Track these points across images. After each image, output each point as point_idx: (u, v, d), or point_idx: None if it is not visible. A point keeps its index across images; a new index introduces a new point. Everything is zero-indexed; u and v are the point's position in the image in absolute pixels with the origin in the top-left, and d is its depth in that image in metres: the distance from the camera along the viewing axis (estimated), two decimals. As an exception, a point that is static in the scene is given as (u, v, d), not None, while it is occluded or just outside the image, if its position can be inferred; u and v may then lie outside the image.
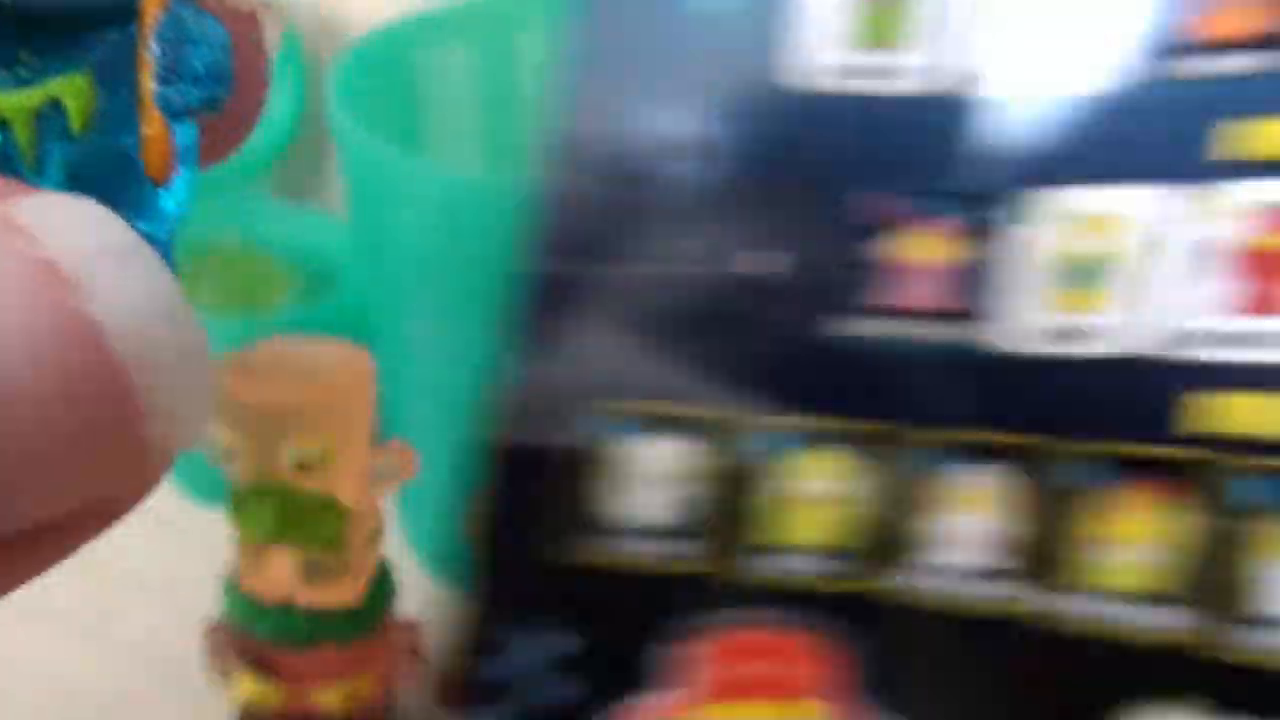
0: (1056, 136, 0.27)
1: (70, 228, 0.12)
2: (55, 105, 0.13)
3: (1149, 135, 0.26)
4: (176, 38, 0.14)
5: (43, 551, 0.12)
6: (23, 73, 0.13)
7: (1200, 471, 0.26)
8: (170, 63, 0.14)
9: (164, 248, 0.14)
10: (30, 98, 0.13)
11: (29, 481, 0.11)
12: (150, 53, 0.14)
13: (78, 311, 0.11)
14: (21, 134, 0.13)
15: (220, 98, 0.15)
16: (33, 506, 0.11)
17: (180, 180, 0.15)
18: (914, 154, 0.28)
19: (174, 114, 0.14)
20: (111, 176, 0.14)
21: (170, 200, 0.14)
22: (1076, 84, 0.27)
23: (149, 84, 0.14)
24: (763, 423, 0.28)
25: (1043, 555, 0.26)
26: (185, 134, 0.15)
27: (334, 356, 0.32)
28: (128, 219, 0.12)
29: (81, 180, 0.14)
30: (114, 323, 0.11)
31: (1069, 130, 0.27)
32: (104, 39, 0.14)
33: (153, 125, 0.14)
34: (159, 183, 0.14)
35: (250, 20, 0.15)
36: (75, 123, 0.14)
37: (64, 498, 0.11)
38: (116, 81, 0.14)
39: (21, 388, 0.11)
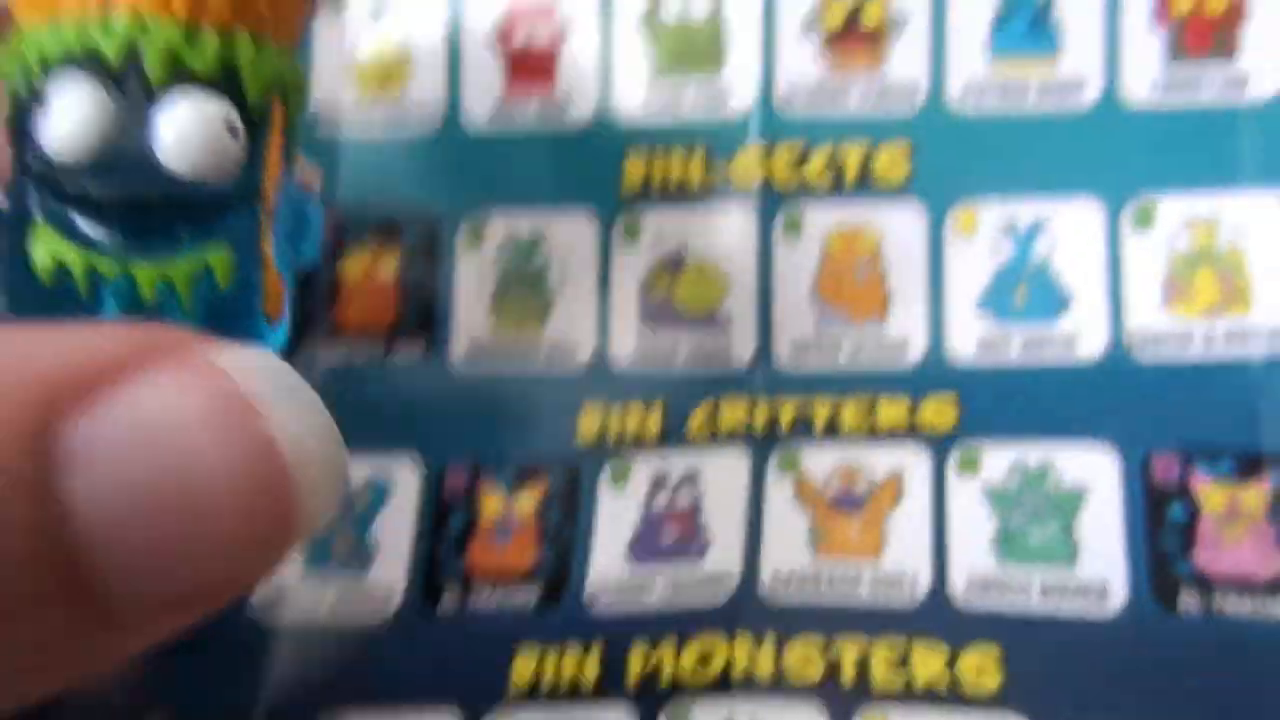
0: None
1: (257, 371, 0.15)
2: (206, 269, 0.18)
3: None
4: (287, 213, 0.19)
5: (192, 611, 0.15)
6: (183, 246, 0.18)
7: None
8: (283, 232, 0.19)
9: None
10: (190, 264, 0.18)
11: (210, 547, 0.15)
12: (270, 225, 0.19)
13: (263, 432, 0.15)
14: (183, 290, 0.18)
15: (314, 256, 0.20)
16: (202, 579, 0.15)
17: (286, 317, 0.19)
18: None
19: (284, 269, 0.19)
20: (241, 317, 0.18)
21: (277, 334, 0.19)
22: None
23: (269, 248, 0.19)
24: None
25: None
26: (289, 284, 0.19)
27: None
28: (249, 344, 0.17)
29: (220, 321, 0.18)
30: (285, 439, 0.15)
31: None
32: (238, 216, 0.18)
33: (270, 279, 0.19)
34: (272, 321, 0.19)
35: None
36: (220, 281, 0.18)
37: (225, 573, 0.15)
38: (246, 247, 0.18)
39: (224, 481, 0.14)
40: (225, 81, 0.18)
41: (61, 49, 0.18)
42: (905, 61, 0.27)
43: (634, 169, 0.27)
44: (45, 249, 0.18)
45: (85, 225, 0.18)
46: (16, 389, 0.14)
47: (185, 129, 0.18)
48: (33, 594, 0.14)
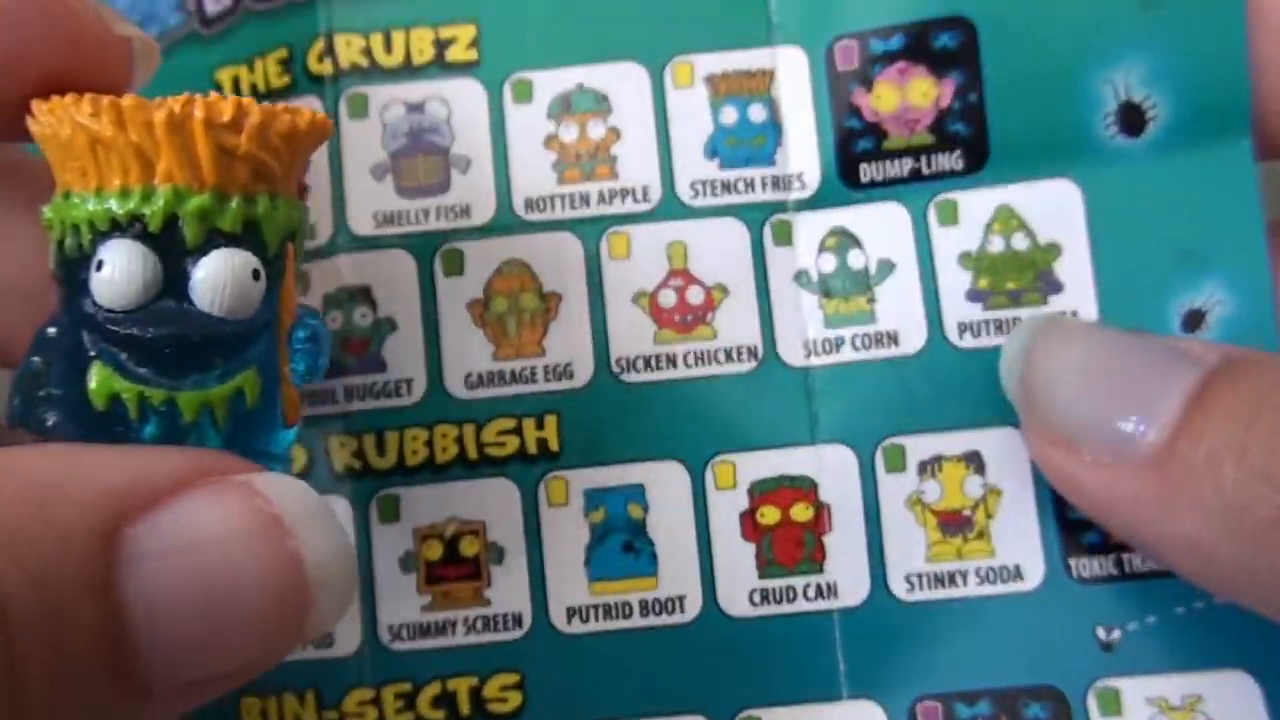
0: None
1: (288, 495, 0.18)
2: (238, 392, 0.21)
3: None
4: (301, 335, 0.23)
5: (216, 690, 0.18)
6: (216, 374, 0.21)
7: None
8: (299, 351, 0.23)
9: (286, 461, 0.23)
10: (225, 390, 0.21)
11: (236, 641, 0.18)
12: (288, 347, 0.22)
13: (291, 549, 0.18)
14: (219, 411, 0.21)
15: (324, 367, 0.24)
16: (228, 666, 0.18)
17: (300, 421, 0.23)
18: None
19: (299, 382, 0.23)
20: (265, 428, 0.22)
21: (291, 435, 0.23)
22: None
23: (286, 367, 0.22)
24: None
25: None
26: (300, 394, 0.23)
27: None
28: (272, 448, 0.22)
29: (248, 430, 0.21)
30: (310, 554, 0.18)
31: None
32: (262, 344, 0.21)
33: (288, 392, 0.22)
34: (289, 424, 0.22)
35: None
36: (250, 401, 0.21)
37: (246, 662, 0.18)
38: (269, 369, 0.22)
39: (255, 589, 0.17)
40: (248, 235, 0.21)
41: (109, 216, 0.21)
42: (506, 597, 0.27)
43: None
44: (101, 383, 0.21)
45: (133, 361, 0.21)
46: (93, 500, 0.17)
47: (218, 280, 0.21)
48: (88, 677, 0.16)
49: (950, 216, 0.28)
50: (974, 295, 0.28)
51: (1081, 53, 0.28)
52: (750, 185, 0.29)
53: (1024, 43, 0.28)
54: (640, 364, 0.28)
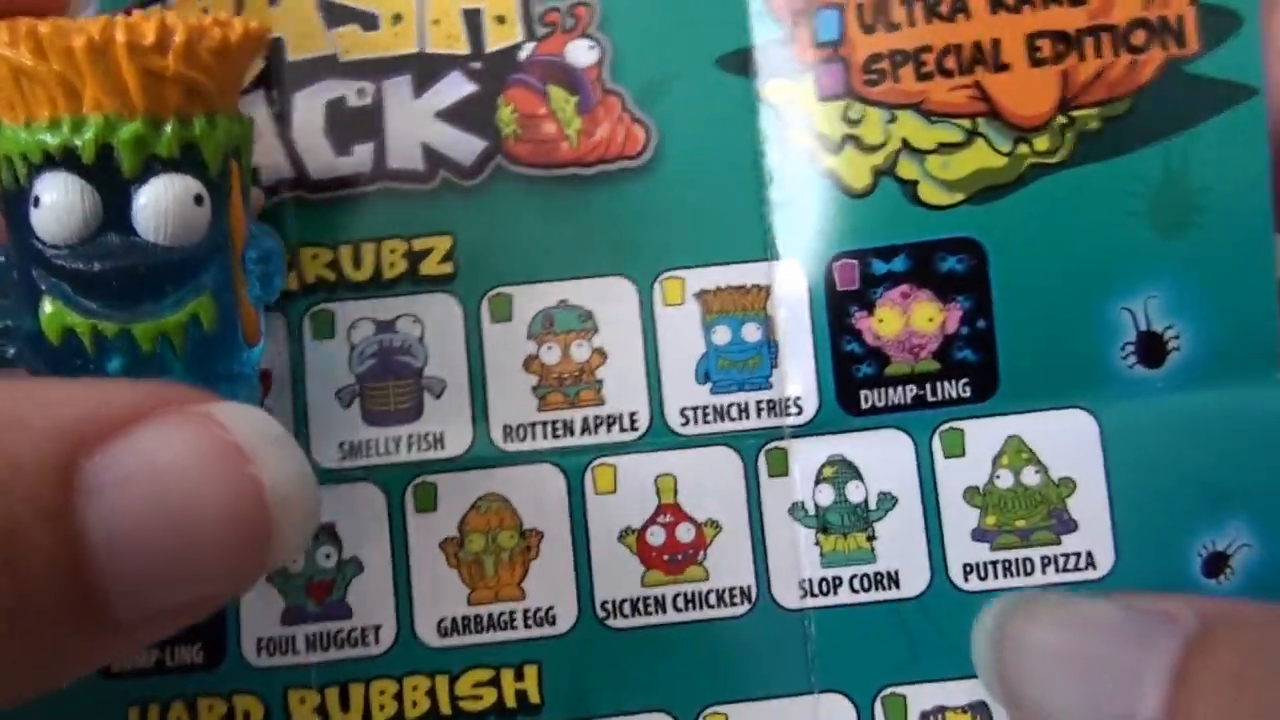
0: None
1: (246, 423, 0.18)
2: (194, 318, 0.21)
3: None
4: (253, 255, 0.22)
5: (180, 621, 0.18)
6: (169, 302, 0.21)
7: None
8: (254, 270, 0.22)
9: (253, 380, 0.23)
10: (180, 317, 0.21)
11: (198, 570, 0.17)
12: (241, 267, 0.22)
13: (251, 475, 0.17)
14: (176, 339, 0.21)
15: (280, 286, 0.24)
16: (191, 595, 0.18)
17: (263, 337, 0.23)
18: None
19: (257, 301, 0.22)
20: (226, 349, 0.21)
21: (256, 352, 0.23)
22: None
23: (242, 289, 0.22)
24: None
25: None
26: (262, 310, 0.23)
27: None
28: (236, 368, 0.22)
29: (208, 354, 0.21)
30: (270, 481, 0.18)
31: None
32: (213, 267, 0.21)
33: (246, 312, 0.22)
34: (251, 343, 0.22)
35: None
36: (206, 326, 0.21)
37: (211, 591, 0.18)
38: (224, 292, 0.21)
39: (216, 516, 0.17)
40: (187, 159, 0.20)
41: (41, 149, 0.20)
42: None
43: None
44: (52, 317, 0.20)
45: (84, 295, 0.20)
46: (48, 431, 0.16)
47: (159, 208, 0.20)
48: (49, 604, 0.16)
49: (956, 447, 0.26)
50: (980, 534, 0.26)
51: (1099, 280, 0.26)
52: (744, 411, 0.27)
53: (1036, 268, 0.26)
54: (627, 608, 0.26)
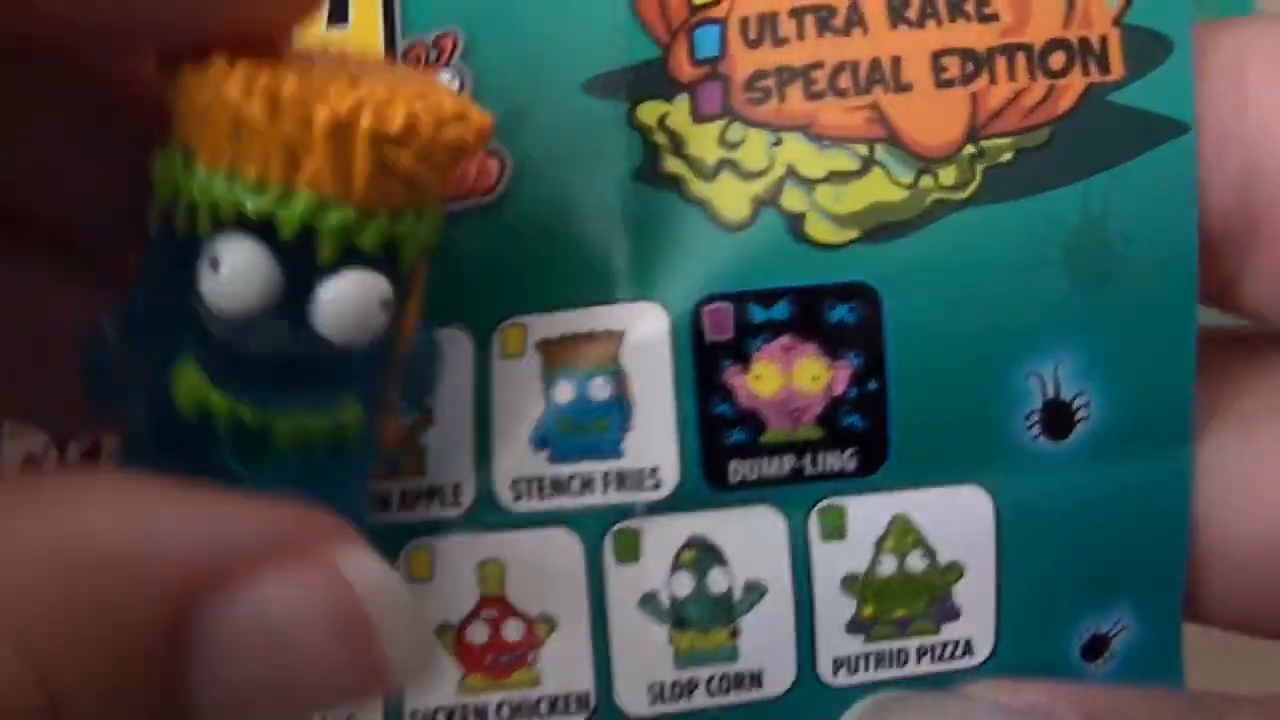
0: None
1: (375, 584, 0.17)
2: (339, 426, 0.19)
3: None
4: (414, 364, 0.20)
5: None
6: (321, 402, 0.19)
7: None
8: (411, 380, 0.20)
9: (366, 482, 0.21)
10: (325, 423, 0.19)
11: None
12: (398, 375, 0.20)
13: (375, 652, 0.17)
14: (317, 445, 0.19)
15: (430, 396, 0.21)
16: None
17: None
18: None
19: (406, 414, 0.21)
20: (357, 457, 0.19)
21: (377, 460, 0.20)
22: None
23: (394, 397, 0.20)
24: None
25: None
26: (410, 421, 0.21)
27: None
28: (357, 474, 0.20)
29: (339, 459, 0.19)
30: (393, 654, 0.17)
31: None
32: (372, 372, 0.19)
33: (390, 422, 0.20)
34: (382, 451, 0.20)
35: None
36: (350, 437, 0.19)
37: None
38: (374, 401, 0.19)
39: (330, 689, 0.17)
40: (385, 257, 0.18)
41: (236, 208, 0.18)
42: None
43: None
44: (190, 388, 0.18)
45: (229, 372, 0.18)
46: (163, 578, 0.15)
47: (346, 305, 0.18)
48: None
49: (836, 528, 0.22)
50: (855, 626, 0.23)
51: (1007, 338, 0.22)
52: (588, 484, 0.22)
53: (938, 322, 0.22)
54: (441, 718, 0.22)
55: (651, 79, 0.22)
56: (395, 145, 0.18)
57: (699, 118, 0.22)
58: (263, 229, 0.18)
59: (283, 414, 0.18)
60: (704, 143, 0.22)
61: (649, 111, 0.22)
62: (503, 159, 0.22)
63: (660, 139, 0.22)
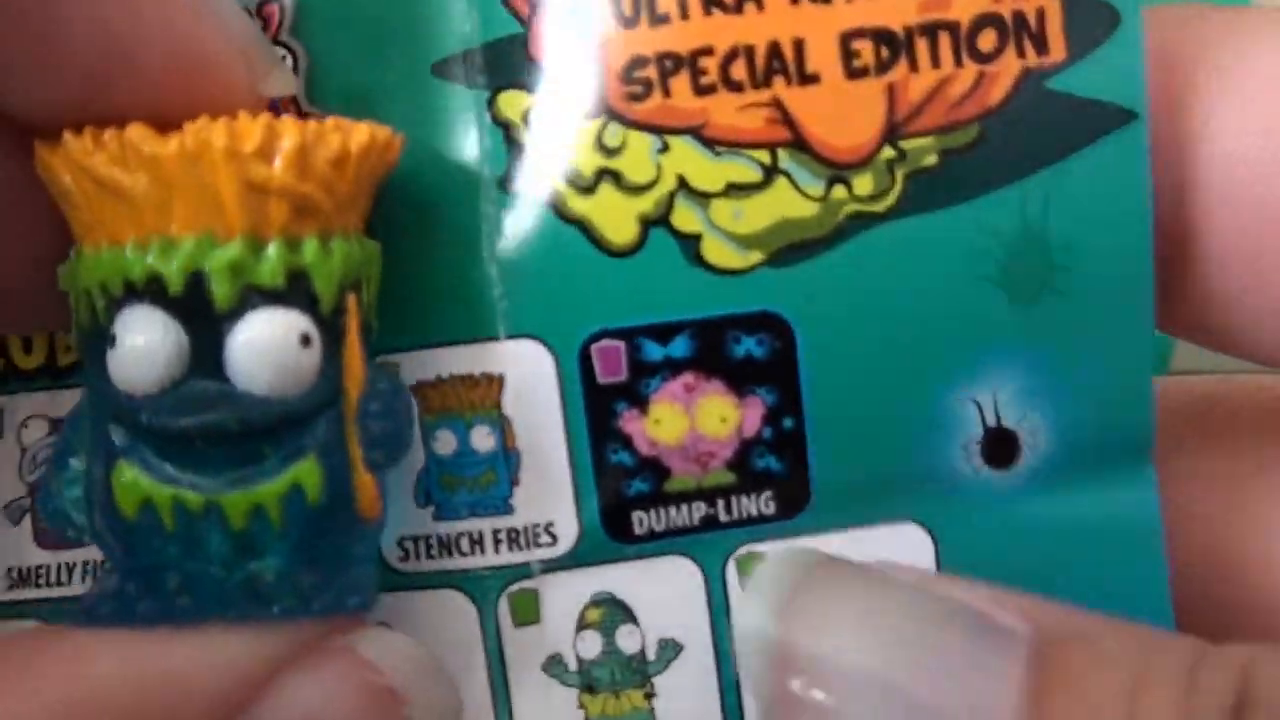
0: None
1: (394, 656, 0.18)
2: (295, 487, 0.17)
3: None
4: (373, 411, 0.18)
5: None
6: (268, 465, 0.17)
7: None
8: (373, 428, 0.18)
9: (371, 567, 0.18)
10: (278, 486, 0.17)
11: None
12: (357, 424, 0.18)
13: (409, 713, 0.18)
14: (273, 513, 0.17)
15: (405, 447, 0.19)
16: None
17: (385, 515, 0.18)
18: None
19: (375, 468, 0.18)
20: (338, 525, 0.17)
21: (377, 531, 0.18)
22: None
23: (357, 450, 0.18)
24: None
25: None
26: (383, 480, 0.18)
27: None
28: (351, 551, 0.18)
29: (315, 535, 0.17)
30: (424, 712, 0.18)
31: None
32: (322, 424, 0.17)
33: (362, 480, 0.18)
34: (369, 522, 0.18)
35: None
36: (312, 498, 0.17)
37: None
38: (334, 455, 0.17)
39: None
40: (294, 291, 0.17)
41: (122, 277, 0.17)
42: None
43: None
44: (128, 487, 0.17)
45: (166, 457, 0.17)
46: (207, 700, 0.16)
47: (256, 349, 0.17)
48: None
49: (757, 575, 0.20)
50: (788, 679, 0.20)
51: (938, 363, 0.20)
52: (478, 543, 0.20)
53: (858, 350, 0.19)
54: (330, 804, 0.20)
55: (511, 60, 0.19)
56: (257, 160, 0.16)
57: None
58: (153, 291, 0.16)
59: (229, 488, 0.17)
60: (578, 146, 0.19)
61: (511, 103, 0.19)
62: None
63: (527, 139, 0.19)
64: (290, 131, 0.17)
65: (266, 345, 0.17)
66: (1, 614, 0.21)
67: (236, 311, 0.17)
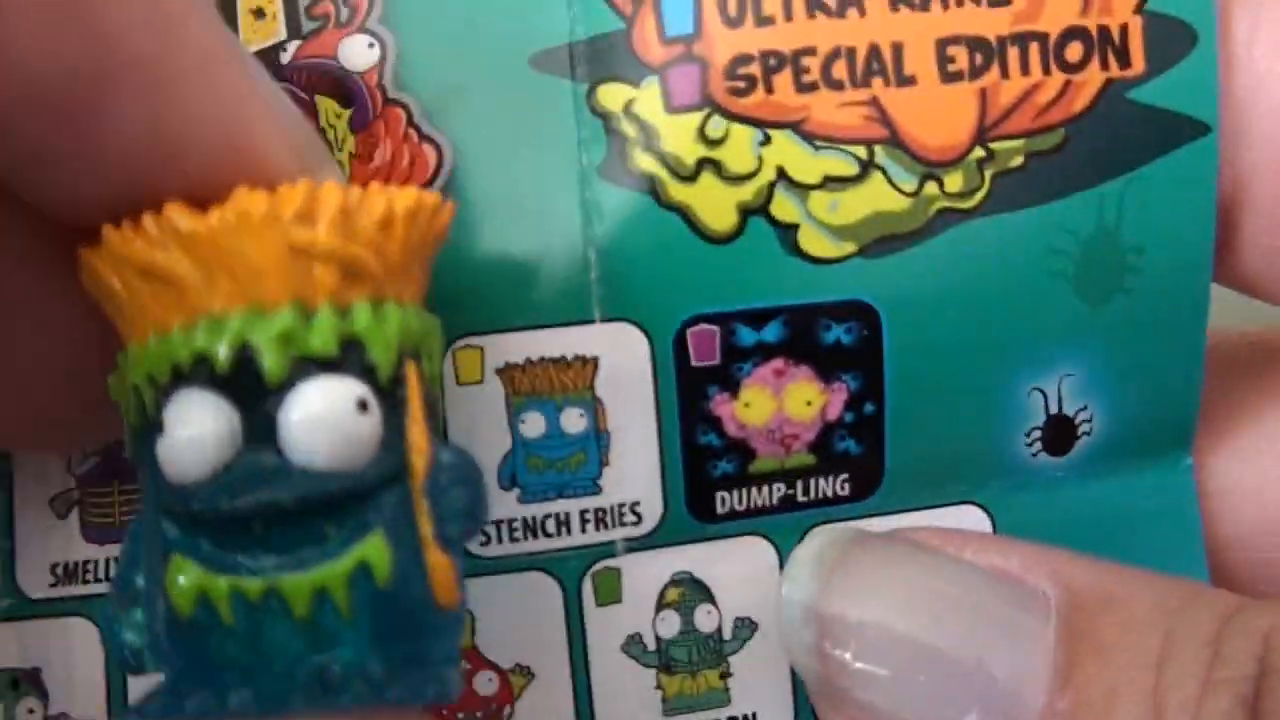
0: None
1: None
2: (362, 566, 0.15)
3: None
4: (443, 484, 0.16)
5: None
6: (331, 545, 0.16)
7: None
8: (441, 506, 0.16)
9: (455, 664, 0.16)
10: (343, 565, 0.15)
11: None
12: (426, 499, 0.16)
13: None
14: (339, 597, 0.15)
15: (480, 522, 0.17)
16: None
17: (463, 601, 0.16)
18: None
19: (450, 545, 0.16)
20: (412, 613, 0.16)
21: (458, 618, 0.16)
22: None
23: (428, 527, 0.16)
24: None
25: None
26: (460, 561, 0.16)
27: None
28: (433, 646, 0.16)
29: (389, 623, 0.16)
30: None
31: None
32: (387, 499, 0.16)
33: (437, 559, 0.16)
34: (448, 607, 0.16)
35: None
36: (380, 579, 0.15)
37: None
38: (402, 532, 0.16)
39: None
40: (349, 359, 0.16)
41: (169, 364, 0.15)
42: None
43: None
44: (183, 582, 0.15)
45: (222, 546, 0.15)
46: None
47: (311, 419, 0.15)
48: None
49: (828, 556, 0.21)
50: (853, 657, 0.21)
51: (1011, 357, 0.21)
52: (564, 524, 0.20)
53: (939, 341, 0.20)
54: (410, 785, 0.20)
55: (612, 56, 0.20)
56: (299, 224, 0.15)
57: (673, 108, 0.20)
58: (201, 374, 0.15)
59: (291, 572, 0.15)
60: (680, 138, 0.20)
61: (612, 95, 0.20)
62: (440, 146, 0.20)
63: (628, 129, 0.20)
64: (333, 194, 0.16)
65: (321, 413, 0.15)
66: (46, 611, 0.20)
67: (288, 383, 0.15)
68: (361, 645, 0.15)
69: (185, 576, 0.15)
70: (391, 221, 0.16)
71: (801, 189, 0.20)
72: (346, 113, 0.19)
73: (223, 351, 0.15)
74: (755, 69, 0.20)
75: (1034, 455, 0.21)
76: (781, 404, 0.20)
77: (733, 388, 0.20)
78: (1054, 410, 0.21)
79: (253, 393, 0.15)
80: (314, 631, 0.15)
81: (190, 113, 0.15)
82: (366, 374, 0.16)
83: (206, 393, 0.15)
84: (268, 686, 0.15)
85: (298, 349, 0.15)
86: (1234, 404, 0.22)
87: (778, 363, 0.20)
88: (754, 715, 0.21)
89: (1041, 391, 0.21)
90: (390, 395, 0.16)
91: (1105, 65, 0.20)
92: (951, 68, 0.20)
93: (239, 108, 0.16)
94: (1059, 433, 0.21)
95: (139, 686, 0.17)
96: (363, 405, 0.16)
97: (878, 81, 0.20)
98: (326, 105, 0.19)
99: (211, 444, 0.15)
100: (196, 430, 0.15)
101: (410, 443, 0.16)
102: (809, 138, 0.20)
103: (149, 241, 0.15)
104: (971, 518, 0.21)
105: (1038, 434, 0.21)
